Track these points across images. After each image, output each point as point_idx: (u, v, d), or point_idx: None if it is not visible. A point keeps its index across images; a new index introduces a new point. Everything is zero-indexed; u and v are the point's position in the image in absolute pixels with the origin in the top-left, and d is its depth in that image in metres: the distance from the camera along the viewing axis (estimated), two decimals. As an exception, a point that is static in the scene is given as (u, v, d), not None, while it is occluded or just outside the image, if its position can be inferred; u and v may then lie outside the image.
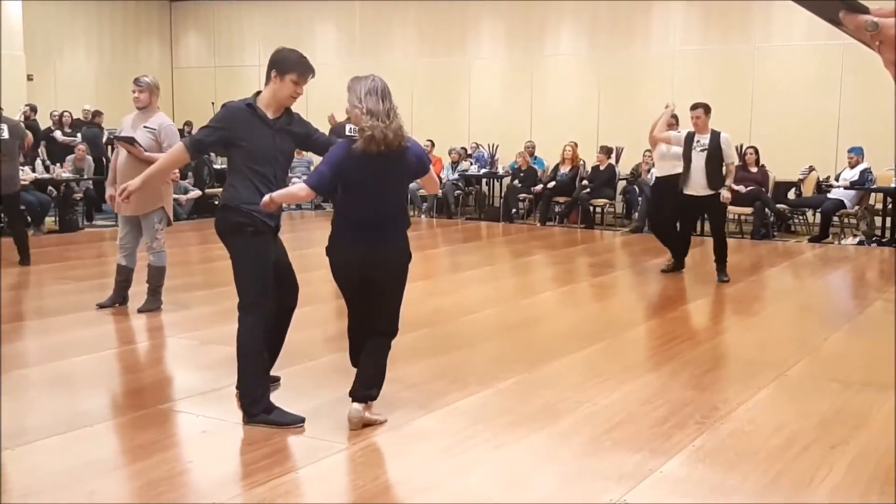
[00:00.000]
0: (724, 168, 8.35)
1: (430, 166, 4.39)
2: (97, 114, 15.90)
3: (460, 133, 15.68)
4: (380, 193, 4.08)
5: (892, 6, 1.27)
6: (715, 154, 8.29)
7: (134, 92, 6.66)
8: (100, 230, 12.54)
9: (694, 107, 8.50)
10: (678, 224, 8.82)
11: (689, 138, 8.43)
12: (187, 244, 11.16)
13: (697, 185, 8.34)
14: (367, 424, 4.13)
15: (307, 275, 9.56)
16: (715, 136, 8.34)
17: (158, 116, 6.67)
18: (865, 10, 1.26)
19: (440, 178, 14.50)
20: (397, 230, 4.18)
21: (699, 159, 8.30)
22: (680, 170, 8.53)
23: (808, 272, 9.77)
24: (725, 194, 8.34)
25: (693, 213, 8.87)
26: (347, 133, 7.29)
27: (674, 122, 8.97)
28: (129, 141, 6.56)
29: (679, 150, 8.50)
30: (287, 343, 6.04)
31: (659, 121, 8.63)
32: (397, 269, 4.19)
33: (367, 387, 4.19)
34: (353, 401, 4.15)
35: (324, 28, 17.95)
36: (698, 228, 11.34)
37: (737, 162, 8.72)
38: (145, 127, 6.58)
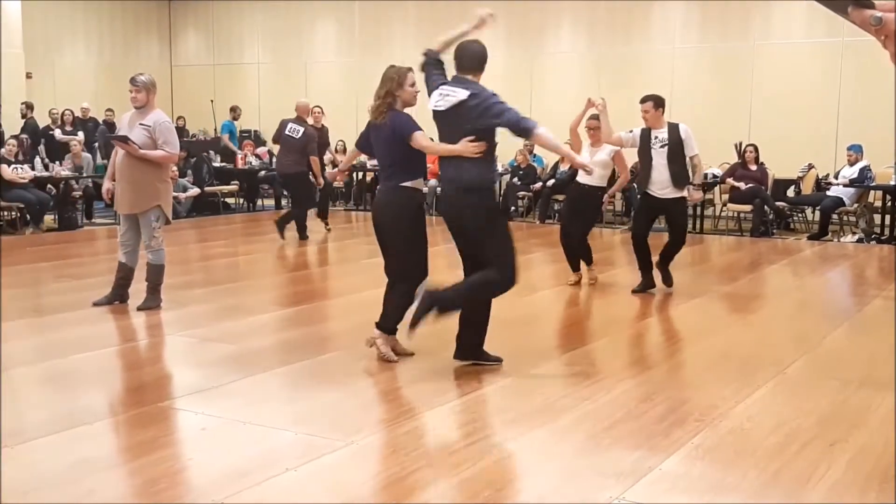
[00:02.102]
0: (688, 163, 7.53)
1: (411, 134, 5.04)
2: (109, 111, 16.01)
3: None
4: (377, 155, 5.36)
5: (895, 2, 1.28)
6: (677, 149, 7.43)
7: (131, 92, 6.65)
8: (99, 228, 12.54)
9: (643, 100, 7.57)
10: (635, 231, 7.87)
11: (646, 135, 7.53)
12: (186, 242, 11.16)
13: (660, 186, 7.49)
14: (374, 346, 5.21)
15: (306, 272, 9.57)
16: (673, 128, 7.49)
17: (155, 114, 6.66)
18: (871, 5, 1.28)
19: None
20: (388, 184, 5.14)
21: (660, 156, 7.46)
22: (601, 182, 7.75)
23: (808, 270, 9.77)
24: (695, 195, 7.63)
25: (653, 216, 7.81)
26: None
27: (597, 125, 7.69)
28: (124, 139, 6.56)
29: (604, 157, 7.71)
30: (286, 341, 6.06)
31: (602, 120, 7.55)
32: (386, 217, 5.16)
33: (382, 318, 5.22)
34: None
35: (323, 26, 17.95)
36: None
37: (699, 153, 7.61)
38: (141, 124, 6.58)
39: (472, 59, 5.00)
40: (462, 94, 4.88)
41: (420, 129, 5.08)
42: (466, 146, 4.88)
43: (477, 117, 4.86)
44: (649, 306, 7.33)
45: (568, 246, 8.05)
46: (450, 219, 5.09)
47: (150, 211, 6.63)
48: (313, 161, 11.02)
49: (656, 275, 7.79)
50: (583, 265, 8.09)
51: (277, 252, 10.35)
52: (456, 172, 4.96)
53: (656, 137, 7.52)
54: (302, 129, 10.97)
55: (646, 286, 7.73)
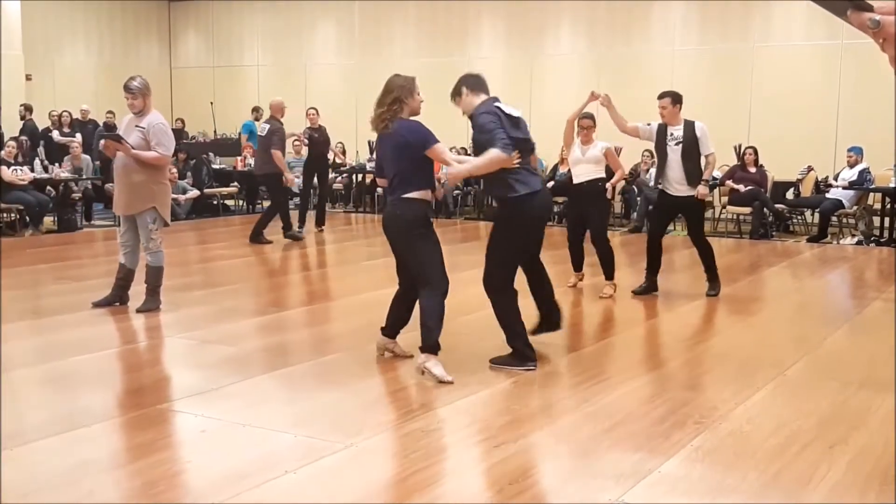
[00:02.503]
0: (703, 161, 7.53)
1: (432, 146, 5.00)
2: (109, 113, 15.99)
3: (459, 132, 15.62)
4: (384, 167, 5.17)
5: (893, 4, 1.28)
6: (691, 147, 7.44)
7: (127, 99, 6.65)
8: (98, 230, 12.53)
9: (661, 96, 7.61)
10: (652, 228, 7.94)
11: (662, 131, 7.56)
12: (186, 244, 11.15)
13: (675, 183, 7.52)
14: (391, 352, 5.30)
15: (305, 274, 9.57)
16: (689, 126, 7.49)
17: (151, 115, 6.64)
18: (870, 8, 1.28)
19: (439, 180, 14.49)
20: (392, 197, 5.05)
21: (675, 153, 7.48)
22: (598, 175, 7.65)
23: (807, 272, 9.77)
24: (702, 190, 7.57)
25: (669, 214, 7.97)
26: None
27: (590, 124, 7.79)
28: (117, 138, 6.58)
29: (596, 153, 7.67)
30: (285, 343, 6.05)
31: (612, 114, 7.61)
32: (394, 230, 5.06)
33: (423, 338, 4.99)
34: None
35: (323, 27, 17.96)
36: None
37: (715, 152, 7.66)
38: (137, 126, 6.59)
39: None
40: (518, 112, 5.26)
41: (437, 139, 5.03)
42: (512, 157, 4.99)
43: (526, 133, 5.27)
44: (649, 308, 7.33)
45: (574, 244, 8.02)
46: (543, 219, 5.48)
47: (145, 212, 6.61)
48: (274, 154, 10.93)
49: (666, 281, 7.82)
50: (581, 269, 8.05)
51: (277, 254, 10.35)
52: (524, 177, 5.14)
53: (672, 134, 7.53)
54: (267, 127, 10.96)
55: (648, 289, 7.72)
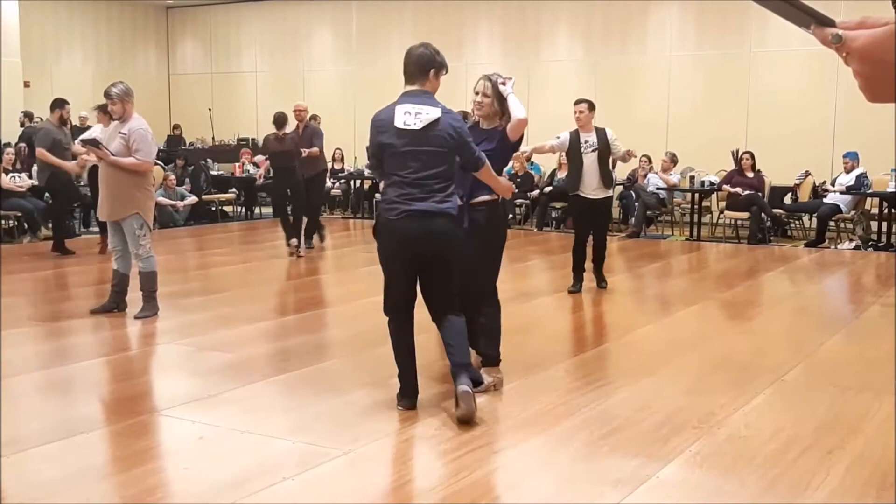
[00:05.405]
0: (611, 160, 8.00)
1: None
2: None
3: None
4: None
5: (856, 19, 1.30)
6: (604, 151, 7.82)
7: (108, 105, 6.68)
8: (96, 236, 12.52)
9: (578, 101, 7.90)
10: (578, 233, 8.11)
11: (576, 138, 7.83)
12: (184, 250, 11.15)
13: (591, 187, 7.86)
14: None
15: (303, 281, 9.57)
16: (601, 132, 7.86)
17: (132, 121, 6.64)
18: (832, 23, 1.31)
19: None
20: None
21: (590, 159, 7.80)
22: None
23: (805, 277, 9.78)
24: (634, 151, 8.09)
25: (588, 218, 8.08)
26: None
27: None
28: (95, 144, 6.60)
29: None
30: (284, 349, 6.05)
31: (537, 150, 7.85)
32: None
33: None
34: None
35: (320, 33, 17.98)
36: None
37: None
38: (119, 133, 6.60)
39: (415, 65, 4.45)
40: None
41: None
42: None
43: None
44: (646, 313, 7.33)
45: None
46: None
47: (129, 219, 6.59)
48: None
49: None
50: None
51: (275, 261, 10.34)
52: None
53: (586, 141, 7.80)
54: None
55: (581, 289, 7.94)
